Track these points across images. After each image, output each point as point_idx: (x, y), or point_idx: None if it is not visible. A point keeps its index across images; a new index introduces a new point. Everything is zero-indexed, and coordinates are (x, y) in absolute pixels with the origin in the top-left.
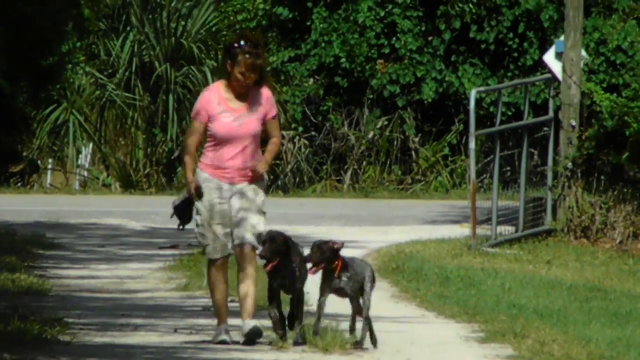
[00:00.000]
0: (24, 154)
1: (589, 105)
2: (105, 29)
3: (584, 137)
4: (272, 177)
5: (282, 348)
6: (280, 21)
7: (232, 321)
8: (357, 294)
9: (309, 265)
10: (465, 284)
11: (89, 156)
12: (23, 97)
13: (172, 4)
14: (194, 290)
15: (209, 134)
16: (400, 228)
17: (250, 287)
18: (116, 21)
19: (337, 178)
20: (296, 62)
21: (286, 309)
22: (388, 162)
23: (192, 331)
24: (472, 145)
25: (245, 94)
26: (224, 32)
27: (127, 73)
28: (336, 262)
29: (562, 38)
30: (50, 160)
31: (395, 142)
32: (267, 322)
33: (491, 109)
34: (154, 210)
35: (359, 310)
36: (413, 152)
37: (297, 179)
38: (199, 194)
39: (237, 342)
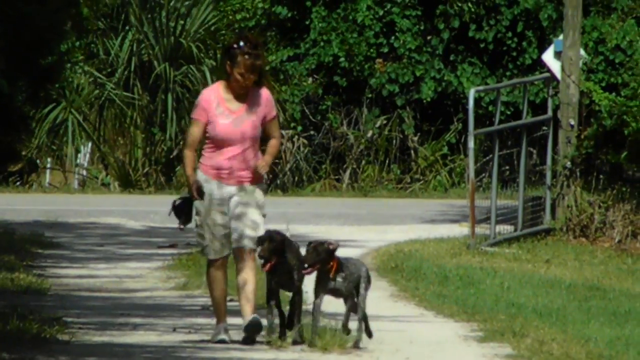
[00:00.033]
0: (23, 153)
1: (587, 104)
2: (104, 28)
3: (582, 137)
4: (271, 176)
5: (281, 347)
6: (279, 20)
7: (231, 320)
8: (352, 294)
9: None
10: (464, 283)
11: (87, 155)
12: (22, 96)
13: (171, 3)
14: (192, 289)
15: (207, 136)
16: (399, 227)
17: (250, 302)
18: (115, 20)
19: (336, 177)
20: (295, 61)
21: (285, 309)
22: (387, 162)
23: (191, 330)
24: (471, 144)
25: (245, 95)
26: (223, 31)
27: (126, 72)
28: (331, 264)
29: (561, 37)
30: (49, 160)
31: (394, 142)
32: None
33: (490, 108)
34: (153, 209)
35: (353, 308)
36: (412, 151)
37: (296, 178)
38: (200, 193)
39: (236, 342)
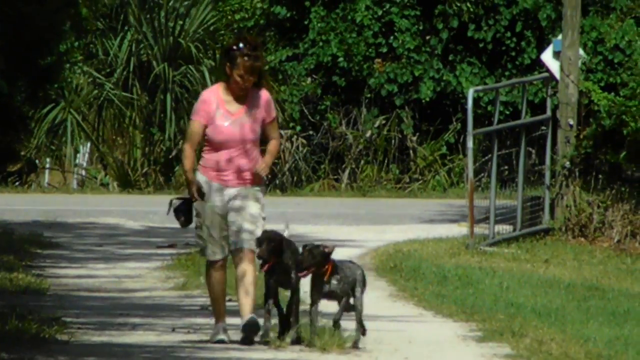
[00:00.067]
0: (22, 153)
1: (586, 104)
2: (103, 29)
3: (581, 136)
4: (269, 176)
5: (279, 347)
6: (278, 20)
7: (230, 320)
8: (347, 294)
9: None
10: (463, 283)
11: (86, 155)
12: (21, 96)
13: (170, 3)
14: (191, 289)
15: (207, 137)
16: (398, 227)
17: (250, 294)
18: (114, 20)
19: (335, 177)
20: (294, 61)
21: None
22: (386, 161)
23: (190, 330)
24: (469, 144)
25: (244, 97)
26: (222, 32)
27: (125, 72)
28: (326, 267)
29: (559, 37)
30: (48, 160)
31: (393, 141)
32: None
33: (489, 108)
34: (152, 209)
35: (347, 307)
36: (411, 151)
37: (295, 178)
38: (200, 194)
39: (235, 342)
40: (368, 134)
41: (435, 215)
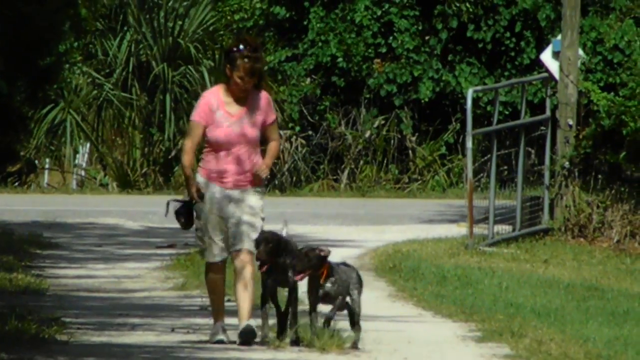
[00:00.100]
0: (21, 153)
1: (586, 104)
2: (102, 29)
3: (581, 136)
4: (269, 177)
5: (279, 347)
6: (277, 21)
7: (229, 321)
8: (342, 294)
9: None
10: (462, 283)
11: (86, 156)
12: (20, 96)
13: (170, 4)
14: (191, 289)
15: (207, 139)
16: (397, 227)
17: (249, 289)
18: (113, 21)
19: (334, 177)
20: (293, 61)
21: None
22: (385, 162)
23: (189, 330)
24: (469, 144)
25: (245, 98)
26: (221, 32)
27: (124, 73)
28: (322, 270)
29: (559, 37)
30: (47, 160)
31: (392, 142)
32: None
33: (488, 108)
34: (151, 209)
35: (341, 307)
36: (410, 152)
37: (294, 178)
38: (200, 195)
39: (234, 342)
40: (367, 134)
41: (435, 215)
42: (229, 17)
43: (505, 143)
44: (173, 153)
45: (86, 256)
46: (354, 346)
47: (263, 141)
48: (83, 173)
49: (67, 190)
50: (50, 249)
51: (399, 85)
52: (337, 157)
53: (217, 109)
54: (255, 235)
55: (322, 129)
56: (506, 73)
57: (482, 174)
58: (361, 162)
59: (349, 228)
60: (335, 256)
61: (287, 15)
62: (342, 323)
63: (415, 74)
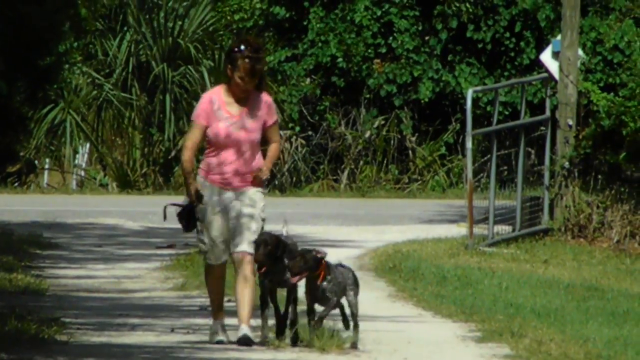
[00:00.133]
0: (21, 154)
1: (586, 104)
2: (102, 29)
3: (581, 137)
4: (269, 178)
5: (278, 347)
6: (277, 21)
7: (229, 321)
8: (337, 296)
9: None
10: (462, 283)
11: (86, 156)
12: (20, 97)
13: (169, 4)
14: (191, 290)
15: (207, 139)
16: (397, 227)
17: (249, 290)
18: (113, 21)
19: (334, 177)
20: (293, 61)
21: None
22: (385, 162)
23: (189, 331)
24: (469, 144)
25: (246, 99)
26: (221, 32)
27: (124, 73)
28: (319, 271)
29: (558, 37)
30: (47, 160)
31: (392, 142)
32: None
33: (488, 108)
34: (151, 210)
35: (335, 306)
36: (410, 152)
37: (294, 179)
38: (199, 197)
39: (234, 342)
40: (367, 134)
41: (435, 215)
42: (228, 17)
43: (505, 143)
44: (173, 153)
45: (86, 256)
46: (354, 346)
47: (264, 142)
48: (83, 173)
49: (67, 190)
50: (50, 249)
51: (398, 85)
52: (337, 157)
53: (218, 109)
54: (255, 227)
55: (322, 129)
56: (506, 73)
57: (482, 174)
58: (361, 162)
59: (349, 228)
60: (336, 256)
61: (287, 15)
62: (342, 324)
63: (415, 74)
